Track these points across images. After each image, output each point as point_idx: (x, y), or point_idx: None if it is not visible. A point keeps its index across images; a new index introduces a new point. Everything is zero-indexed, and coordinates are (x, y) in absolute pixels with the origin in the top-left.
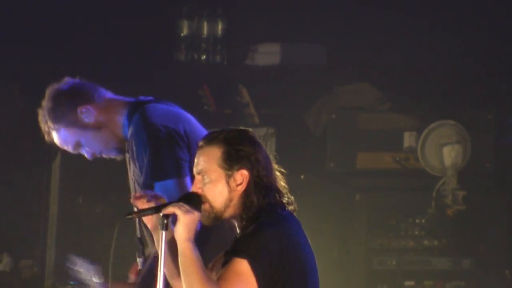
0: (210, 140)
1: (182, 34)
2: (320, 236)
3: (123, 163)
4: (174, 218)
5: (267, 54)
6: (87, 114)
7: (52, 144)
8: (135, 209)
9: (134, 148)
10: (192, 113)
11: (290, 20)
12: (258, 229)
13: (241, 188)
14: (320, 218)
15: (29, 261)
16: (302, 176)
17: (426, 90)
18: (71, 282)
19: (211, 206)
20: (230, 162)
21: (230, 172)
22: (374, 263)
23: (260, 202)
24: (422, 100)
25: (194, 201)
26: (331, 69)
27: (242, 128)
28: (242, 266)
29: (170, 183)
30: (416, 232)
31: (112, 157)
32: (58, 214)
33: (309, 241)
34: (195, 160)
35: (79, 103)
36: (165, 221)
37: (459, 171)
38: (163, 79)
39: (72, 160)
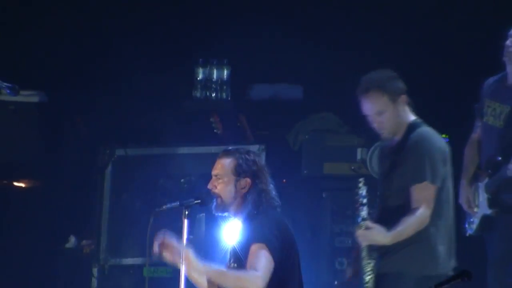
0: (228, 153)
1: (198, 78)
2: (297, 223)
3: (154, 173)
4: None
5: (260, 92)
6: (403, 102)
7: (108, 155)
8: (163, 206)
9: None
10: (205, 134)
11: (277, 67)
12: (261, 222)
13: (244, 191)
14: (297, 210)
15: (89, 241)
16: (284, 180)
17: None
18: None
19: (221, 200)
20: (239, 172)
21: (238, 178)
22: (336, 242)
23: (256, 202)
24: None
25: (209, 197)
26: (305, 102)
27: (251, 150)
28: (263, 248)
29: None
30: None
31: (388, 136)
32: (109, 207)
33: (291, 227)
34: (215, 164)
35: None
36: (186, 212)
37: None
38: (185, 110)
39: (119, 168)
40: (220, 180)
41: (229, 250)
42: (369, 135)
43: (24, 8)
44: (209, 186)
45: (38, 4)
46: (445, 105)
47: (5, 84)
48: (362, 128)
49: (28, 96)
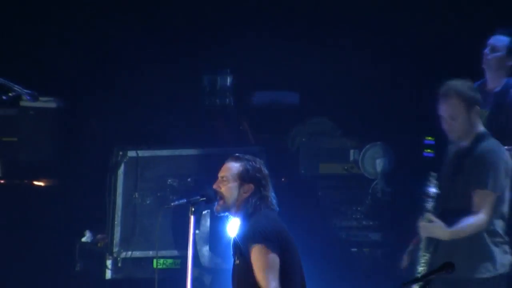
0: (236, 158)
1: (204, 85)
2: (295, 218)
3: (163, 172)
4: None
5: (260, 98)
6: (476, 112)
7: (120, 157)
8: (171, 203)
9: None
10: (210, 137)
11: (276, 76)
12: (258, 221)
13: (246, 195)
14: (295, 206)
15: (103, 235)
16: (283, 179)
17: (365, 122)
18: None
19: (224, 201)
20: (245, 177)
21: (242, 183)
22: (330, 236)
23: (256, 207)
24: (362, 128)
25: (214, 195)
26: (302, 108)
27: (257, 159)
28: (263, 249)
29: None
30: (358, 216)
31: (456, 139)
32: (122, 204)
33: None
34: (223, 166)
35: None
36: (192, 209)
37: (386, 175)
38: (193, 114)
39: (131, 168)
40: (226, 182)
41: (232, 245)
42: (360, 138)
43: (43, 24)
44: (215, 186)
45: (55, 20)
46: (432, 110)
47: (26, 91)
48: (354, 132)
49: (47, 102)
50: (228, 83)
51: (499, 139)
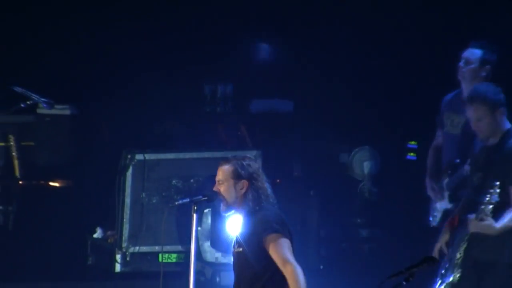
0: (226, 161)
1: (206, 94)
2: (289, 215)
3: (168, 174)
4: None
5: (257, 106)
6: (501, 113)
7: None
8: (175, 203)
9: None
10: (211, 142)
11: (272, 86)
12: (266, 215)
13: (243, 191)
14: (289, 205)
15: (113, 232)
16: (278, 180)
17: (353, 128)
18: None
19: (225, 201)
20: (237, 175)
21: (236, 181)
22: (321, 233)
23: (256, 199)
24: (351, 133)
25: (214, 194)
26: (296, 114)
27: (246, 155)
28: (279, 235)
29: None
30: (348, 214)
31: (484, 138)
32: (130, 203)
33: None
34: (217, 171)
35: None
36: (195, 207)
37: (373, 177)
38: (195, 120)
39: (138, 170)
40: (222, 184)
41: (232, 239)
42: (349, 143)
43: (58, 39)
44: (215, 189)
45: (70, 35)
46: (415, 117)
47: (42, 99)
48: (344, 137)
49: (62, 110)
50: (228, 92)
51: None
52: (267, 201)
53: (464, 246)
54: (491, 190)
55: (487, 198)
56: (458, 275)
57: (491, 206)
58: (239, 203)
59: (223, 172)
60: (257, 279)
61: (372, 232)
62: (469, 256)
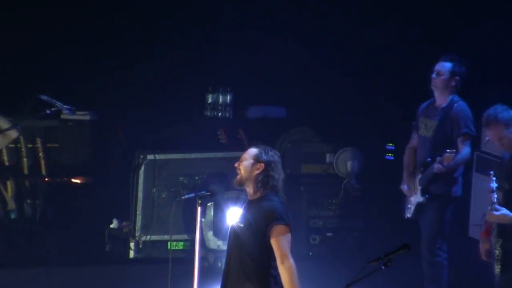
0: (256, 146)
1: (208, 101)
2: None
3: (176, 172)
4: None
5: (254, 112)
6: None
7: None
8: (182, 197)
9: None
10: (213, 144)
11: (267, 94)
12: (276, 206)
13: (257, 172)
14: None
15: (127, 223)
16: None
17: (338, 131)
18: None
19: (240, 176)
20: (258, 158)
21: (255, 162)
22: (310, 223)
23: (264, 183)
24: (336, 136)
25: (216, 190)
26: (288, 119)
27: (274, 150)
28: (287, 231)
29: None
30: (333, 207)
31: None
32: (142, 197)
33: None
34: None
35: None
36: (199, 201)
37: (356, 174)
38: (200, 125)
39: (149, 169)
40: (244, 161)
41: (230, 228)
42: (335, 144)
43: (79, 53)
44: (236, 164)
45: (88, 51)
46: (393, 123)
47: (65, 106)
48: (330, 139)
49: (82, 115)
50: (228, 100)
51: (445, 144)
52: (275, 192)
53: (500, 242)
54: (490, 180)
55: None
56: (498, 269)
57: (495, 194)
58: (250, 181)
59: (250, 152)
60: (249, 259)
61: (355, 223)
62: (506, 250)
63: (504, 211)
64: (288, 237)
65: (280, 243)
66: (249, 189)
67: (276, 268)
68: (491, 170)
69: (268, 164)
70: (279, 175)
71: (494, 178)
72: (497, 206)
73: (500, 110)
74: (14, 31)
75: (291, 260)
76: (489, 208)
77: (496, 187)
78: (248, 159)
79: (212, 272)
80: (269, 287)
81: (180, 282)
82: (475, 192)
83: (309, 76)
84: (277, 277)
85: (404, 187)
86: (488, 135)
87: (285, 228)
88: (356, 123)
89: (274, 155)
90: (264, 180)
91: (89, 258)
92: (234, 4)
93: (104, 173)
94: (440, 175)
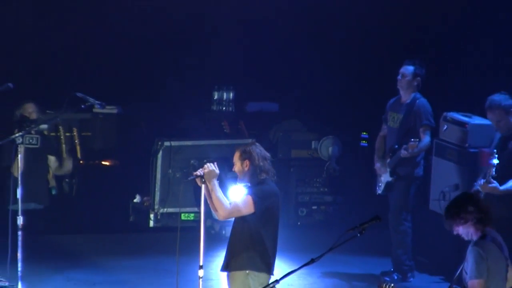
0: (238, 148)
1: (214, 98)
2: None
3: (187, 156)
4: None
5: (251, 107)
6: None
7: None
8: (189, 177)
9: None
10: (219, 133)
11: (262, 91)
12: (259, 189)
13: (246, 168)
14: (275, 180)
15: (148, 198)
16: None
17: (322, 122)
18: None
19: (240, 176)
20: (243, 157)
21: (242, 162)
22: (298, 198)
23: (255, 173)
24: (320, 127)
25: (220, 171)
26: (280, 113)
27: (252, 142)
28: (248, 198)
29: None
30: (318, 185)
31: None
32: (160, 177)
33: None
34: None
35: None
36: (203, 180)
37: (336, 158)
38: (207, 117)
39: (166, 154)
40: (235, 164)
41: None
42: (319, 133)
43: (109, 56)
44: (233, 169)
45: (118, 54)
46: (367, 115)
47: (97, 102)
48: (315, 129)
49: (111, 109)
50: (231, 96)
51: (408, 135)
52: (269, 176)
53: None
54: (492, 157)
55: (493, 168)
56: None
57: (494, 169)
58: (245, 176)
59: (235, 156)
60: (247, 229)
61: (335, 198)
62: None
63: (495, 184)
64: (244, 200)
65: (240, 201)
66: (247, 181)
67: (268, 238)
68: (494, 149)
69: (251, 158)
70: (264, 160)
71: (496, 156)
72: (492, 179)
73: (504, 98)
74: (53, 39)
75: (228, 209)
76: (485, 180)
77: (497, 164)
78: (236, 162)
79: (218, 238)
80: (261, 251)
81: (191, 247)
82: (435, 172)
83: (298, 77)
84: (266, 243)
85: (377, 165)
86: (488, 117)
87: (247, 196)
88: (336, 115)
89: (251, 149)
90: (253, 171)
91: (116, 227)
92: (233, 17)
93: (129, 157)
94: (405, 159)
